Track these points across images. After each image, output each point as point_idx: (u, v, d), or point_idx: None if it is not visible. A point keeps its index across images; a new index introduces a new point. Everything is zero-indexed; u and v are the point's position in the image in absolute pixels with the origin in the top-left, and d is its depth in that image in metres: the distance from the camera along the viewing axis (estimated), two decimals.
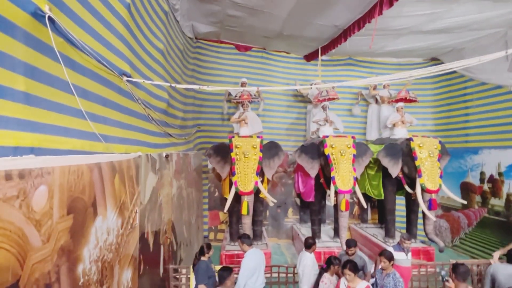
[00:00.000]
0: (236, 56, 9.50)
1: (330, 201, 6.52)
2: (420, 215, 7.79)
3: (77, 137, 2.41)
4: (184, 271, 5.08)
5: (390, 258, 3.90)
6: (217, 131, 9.23)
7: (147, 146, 4.13)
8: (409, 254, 4.98)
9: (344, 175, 6.50)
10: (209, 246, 4.49)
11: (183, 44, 7.05)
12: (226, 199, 8.89)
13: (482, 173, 7.90)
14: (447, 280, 3.49)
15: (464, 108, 8.63)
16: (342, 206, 6.41)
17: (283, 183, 9.55)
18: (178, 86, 4.19)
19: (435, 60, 9.66)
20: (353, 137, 6.84)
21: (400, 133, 7.63)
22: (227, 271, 3.55)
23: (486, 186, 7.78)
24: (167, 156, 4.69)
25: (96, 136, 2.68)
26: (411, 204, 7.58)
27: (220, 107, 9.36)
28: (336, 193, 6.46)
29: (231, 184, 7.11)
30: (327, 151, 6.68)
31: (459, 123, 8.74)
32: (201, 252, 4.42)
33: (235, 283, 3.87)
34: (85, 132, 2.54)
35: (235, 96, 7.67)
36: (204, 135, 9.10)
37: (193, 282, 4.70)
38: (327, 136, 6.84)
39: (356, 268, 3.53)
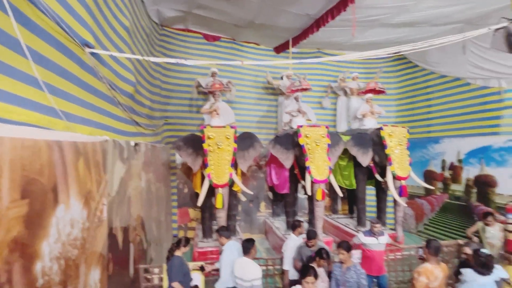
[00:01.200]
0: (205, 46, 9.11)
1: (307, 191, 6.42)
2: (389, 204, 8.09)
3: (33, 109, 1.99)
4: (156, 270, 4.66)
5: (349, 249, 3.79)
6: (185, 124, 8.78)
7: (113, 132, 3.68)
8: (381, 238, 5.03)
9: (319, 165, 6.45)
10: (187, 241, 4.15)
11: (149, 28, 6.55)
12: (196, 196, 8.51)
13: (443, 161, 8.35)
14: (421, 256, 3.59)
15: (426, 100, 9.07)
16: (318, 196, 6.35)
17: (255, 177, 9.34)
18: (152, 59, 3.80)
19: (397, 55, 10.04)
20: (326, 127, 6.83)
21: (370, 124, 7.79)
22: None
23: (447, 173, 8.23)
24: (136, 144, 4.25)
25: (55, 112, 2.25)
26: (381, 193, 7.78)
27: (188, 98, 8.92)
28: (312, 183, 6.39)
29: (203, 178, 6.76)
30: (301, 141, 6.59)
31: (422, 114, 9.17)
32: (178, 244, 4.06)
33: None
34: (43, 106, 2.11)
35: (206, 85, 7.31)
36: (172, 128, 8.61)
37: (166, 282, 4.32)
38: (302, 126, 6.75)
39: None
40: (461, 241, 5.43)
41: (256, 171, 9.34)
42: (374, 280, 4.95)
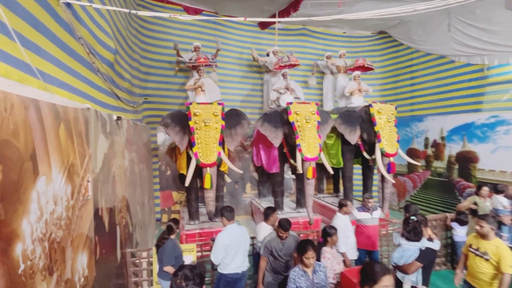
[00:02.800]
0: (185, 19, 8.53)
1: (298, 169, 6.28)
2: (375, 182, 8.17)
3: (1, 59, 1.60)
4: (144, 254, 4.38)
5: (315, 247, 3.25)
6: (166, 102, 8.30)
7: (94, 102, 3.27)
8: (375, 212, 5.03)
9: (310, 142, 6.30)
10: (176, 222, 3.89)
11: None
12: (180, 178, 8.17)
13: (426, 139, 8.50)
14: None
15: (410, 78, 9.12)
16: (309, 174, 6.23)
17: (240, 158, 9.10)
18: (140, 13, 3.36)
19: (383, 33, 9.98)
20: (316, 104, 6.66)
21: (357, 102, 7.70)
22: (271, 209, 4.14)
23: (430, 151, 8.40)
24: (118, 118, 3.85)
25: (28, 68, 1.86)
26: (367, 171, 7.82)
27: (168, 76, 8.40)
28: (302, 160, 6.25)
29: (189, 158, 6.42)
30: (291, 118, 6.38)
31: (406, 93, 9.24)
32: (170, 230, 3.80)
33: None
34: (13, 57, 1.72)
35: (190, 59, 6.84)
36: (152, 107, 8.10)
37: (156, 266, 4.06)
38: (291, 103, 6.53)
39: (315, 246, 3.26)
40: (448, 215, 5.53)
41: (241, 151, 9.08)
42: (367, 255, 4.97)
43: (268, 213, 4.14)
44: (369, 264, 2.14)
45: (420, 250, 3.19)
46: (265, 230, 4.05)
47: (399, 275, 3.30)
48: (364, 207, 4.99)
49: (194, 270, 1.78)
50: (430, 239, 3.53)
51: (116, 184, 3.82)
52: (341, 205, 4.56)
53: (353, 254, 4.47)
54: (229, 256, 3.52)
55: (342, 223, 4.30)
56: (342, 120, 7.02)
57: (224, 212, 3.64)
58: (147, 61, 7.90)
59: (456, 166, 7.67)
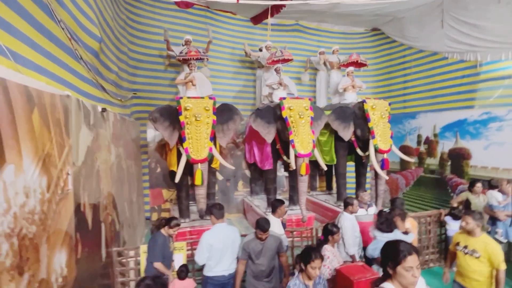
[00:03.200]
0: (175, 13, 8.34)
1: (291, 165, 6.15)
2: (367, 179, 8.13)
3: None
4: (131, 253, 4.18)
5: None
6: (155, 98, 8.07)
7: (76, 91, 3.07)
8: (370, 209, 4.94)
9: (304, 138, 6.18)
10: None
11: None
12: (171, 175, 7.93)
13: (419, 136, 8.48)
14: None
15: (403, 75, 9.09)
16: (302, 170, 6.11)
17: (232, 155, 8.93)
18: None
19: (376, 30, 9.94)
20: (310, 99, 6.54)
21: (351, 98, 7.62)
22: (279, 201, 4.20)
23: (422, 148, 8.38)
24: (103, 110, 3.65)
25: None
26: (361, 168, 7.74)
27: (158, 71, 8.18)
28: (296, 157, 6.13)
29: (179, 155, 6.24)
30: (284, 113, 6.25)
31: (399, 90, 9.21)
32: (168, 221, 3.64)
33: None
34: None
35: (180, 53, 6.64)
36: (141, 102, 7.87)
37: (144, 261, 3.87)
38: (284, 98, 6.40)
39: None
40: (443, 210, 5.48)
41: (233, 148, 8.92)
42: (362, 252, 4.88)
43: (276, 205, 4.14)
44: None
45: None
46: (275, 224, 3.91)
47: (375, 267, 3.30)
48: (359, 204, 4.89)
49: (157, 280, 1.72)
50: (405, 233, 3.59)
51: (101, 179, 3.62)
52: (346, 204, 4.26)
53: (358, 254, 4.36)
54: (214, 257, 3.24)
55: (350, 223, 4.06)
56: (335, 116, 6.93)
57: (213, 209, 3.41)
58: (135, 54, 7.66)
59: (449, 163, 7.66)
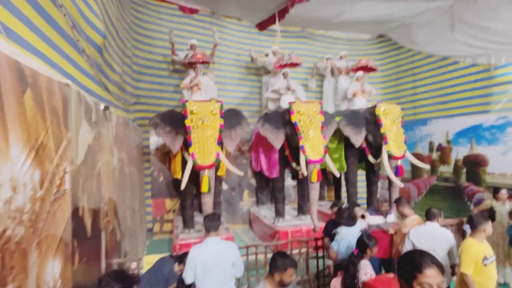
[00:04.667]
0: (181, 19, 8.22)
1: (303, 172, 5.85)
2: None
3: None
4: (133, 265, 3.85)
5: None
6: (159, 104, 7.84)
7: (77, 84, 2.82)
8: (389, 216, 4.63)
9: (314, 144, 5.91)
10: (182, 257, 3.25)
11: None
12: (174, 184, 7.66)
13: (431, 143, 8.19)
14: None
15: (412, 81, 8.89)
16: (314, 177, 5.80)
17: (238, 164, 8.61)
18: None
19: (381, 37, 9.82)
20: (320, 103, 6.30)
21: (360, 104, 7.39)
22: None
23: (435, 155, 8.08)
24: (106, 108, 3.40)
25: None
26: (372, 175, 7.43)
27: (162, 76, 8.00)
28: (307, 163, 5.83)
29: (183, 161, 5.96)
30: (294, 118, 6.00)
31: (408, 96, 8.99)
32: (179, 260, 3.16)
33: None
34: None
35: (186, 56, 6.45)
36: (144, 108, 7.65)
37: None
38: (294, 102, 6.16)
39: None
40: (464, 219, 5.13)
41: (238, 157, 8.63)
42: (381, 265, 4.52)
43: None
44: (409, 253, 1.62)
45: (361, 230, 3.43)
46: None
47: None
48: (377, 211, 4.57)
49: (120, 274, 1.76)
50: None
51: (102, 182, 3.33)
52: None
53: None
54: (200, 277, 2.77)
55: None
56: (347, 122, 6.65)
57: (204, 221, 2.97)
58: (140, 60, 7.50)
59: (464, 170, 7.34)
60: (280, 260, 2.22)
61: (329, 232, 3.85)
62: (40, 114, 1.75)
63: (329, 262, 3.59)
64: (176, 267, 3.10)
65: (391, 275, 2.77)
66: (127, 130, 5.25)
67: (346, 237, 3.43)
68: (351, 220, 3.54)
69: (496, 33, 6.62)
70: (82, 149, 2.65)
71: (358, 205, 4.48)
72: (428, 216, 3.62)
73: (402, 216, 4.12)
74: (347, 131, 6.65)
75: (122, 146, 4.69)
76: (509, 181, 6.40)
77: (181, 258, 3.11)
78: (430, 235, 3.46)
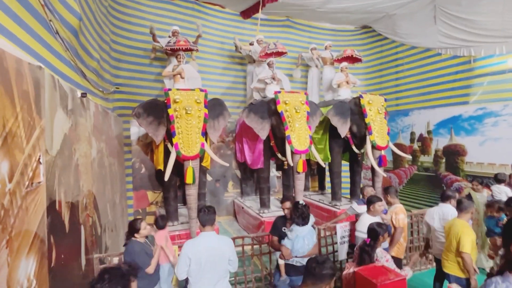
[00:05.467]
0: (161, 4, 7.87)
1: (289, 162, 5.81)
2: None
3: None
4: (115, 260, 3.69)
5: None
6: (140, 93, 7.53)
7: (50, 69, 2.60)
8: None
9: (300, 134, 5.88)
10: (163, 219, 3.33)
11: None
12: (157, 176, 7.47)
13: (412, 133, 8.37)
14: None
15: (395, 72, 8.99)
16: (299, 168, 5.79)
17: (222, 154, 8.50)
18: None
19: (366, 28, 9.84)
20: (305, 93, 6.25)
21: (345, 94, 7.39)
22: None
23: (416, 145, 8.27)
24: (83, 95, 3.18)
25: None
26: (355, 166, 7.51)
27: (143, 64, 7.67)
28: (292, 153, 5.80)
29: (166, 152, 5.78)
30: (280, 108, 5.93)
31: (391, 87, 9.10)
32: (132, 230, 3.18)
33: None
34: None
35: (168, 43, 6.18)
36: (124, 97, 7.32)
37: None
38: (279, 92, 6.08)
39: None
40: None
41: (222, 147, 8.50)
42: None
43: (372, 200, 3.71)
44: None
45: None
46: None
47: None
48: (364, 200, 4.60)
49: (115, 271, 1.68)
50: None
51: (81, 174, 3.14)
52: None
53: None
54: (194, 273, 2.63)
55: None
56: (335, 112, 6.62)
57: (200, 214, 2.79)
58: (118, 46, 7.13)
59: (443, 160, 7.56)
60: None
61: (279, 229, 3.53)
62: (7, 98, 1.56)
63: (281, 262, 3.31)
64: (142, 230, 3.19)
65: (379, 263, 2.77)
66: (106, 119, 5.00)
67: (301, 234, 3.24)
68: (303, 220, 3.23)
69: (476, 26, 6.76)
70: (58, 138, 2.46)
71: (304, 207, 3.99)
72: (442, 198, 4.02)
73: (388, 204, 4.16)
74: (335, 121, 6.64)
75: (101, 136, 4.45)
76: (485, 170, 6.64)
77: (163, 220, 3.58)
78: (444, 215, 3.78)
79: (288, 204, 3.61)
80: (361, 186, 4.76)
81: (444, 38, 7.45)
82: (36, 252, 1.86)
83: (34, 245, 1.84)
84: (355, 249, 3.28)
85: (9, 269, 1.51)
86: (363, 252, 2.87)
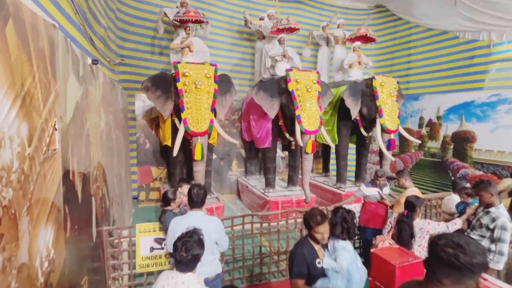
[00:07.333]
0: None
1: (298, 142, 5.71)
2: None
3: None
4: (125, 233, 3.66)
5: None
6: (146, 67, 7.33)
7: (62, 32, 2.43)
8: (385, 189, 4.62)
9: (311, 114, 5.75)
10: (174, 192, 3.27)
11: None
12: (161, 151, 7.40)
13: (421, 118, 8.23)
14: None
15: (407, 55, 8.74)
16: (308, 148, 5.71)
17: (227, 133, 8.25)
18: None
19: (380, 7, 9.48)
20: (317, 72, 6.06)
21: (356, 75, 7.20)
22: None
23: (424, 131, 8.16)
24: (94, 62, 3.02)
25: None
26: (362, 149, 7.43)
27: (149, 36, 7.40)
28: (302, 133, 5.69)
29: (174, 129, 5.66)
30: (291, 86, 5.76)
31: (402, 70, 8.87)
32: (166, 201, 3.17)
33: None
34: None
35: (177, 14, 5.91)
36: (129, 70, 7.13)
37: (140, 243, 3.40)
38: (291, 70, 5.89)
39: None
40: (446, 194, 5.23)
41: (227, 126, 8.37)
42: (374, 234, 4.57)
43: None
44: None
45: None
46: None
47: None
48: (373, 183, 4.54)
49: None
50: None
51: (91, 146, 3.04)
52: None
53: None
54: None
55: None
56: (350, 92, 6.44)
57: (189, 193, 2.66)
58: (124, 16, 6.85)
59: (451, 146, 7.48)
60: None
61: (310, 263, 2.28)
62: (25, 54, 1.43)
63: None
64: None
65: (395, 245, 2.75)
66: (114, 91, 4.84)
67: (353, 255, 2.43)
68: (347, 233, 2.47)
69: (501, 9, 6.47)
70: (71, 106, 2.34)
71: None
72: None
73: (402, 187, 4.11)
74: (349, 102, 6.47)
75: (109, 108, 4.32)
76: (495, 157, 6.57)
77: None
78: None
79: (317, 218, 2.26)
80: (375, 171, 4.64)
81: (464, 21, 7.17)
82: (53, 222, 1.78)
83: (52, 214, 1.76)
84: (388, 221, 3.53)
85: (30, 237, 1.43)
86: (401, 223, 3.00)
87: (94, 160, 3.13)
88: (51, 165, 1.79)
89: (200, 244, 1.89)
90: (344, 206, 3.42)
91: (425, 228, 2.96)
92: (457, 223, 3.10)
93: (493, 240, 2.84)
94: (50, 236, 1.72)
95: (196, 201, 2.64)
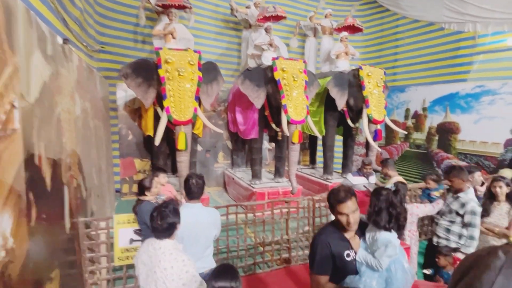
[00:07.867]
0: None
1: (284, 132, 5.61)
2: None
3: None
4: (102, 224, 3.49)
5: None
6: (126, 55, 7.05)
7: (26, 4, 2.23)
8: (371, 177, 4.61)
9: (297, 104, 5.65)
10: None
11: None
12: (145, 143, 7.19)
13: (407, 110, 8.28)
14: None
15: (394, 47, 8.75)
16: (295, 138, 5.62)
17: (213, 124, 8.17)
18: None
19: None
20: (304, 62, 5.96)
21: (343, 66, 7.15)
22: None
23: (410, 122, 8.21)
24: (65, 41, 2.81)
25: None
26: (349, 140, 7.42)
27: (131, 23, 7.12)
28: (288, 123, 5.60)
29: (156, 118, 5.47)
30: (277, 75, 5.65)
31: (389, 62, 8.88)
32: (141, 190, 3.00)
33: None
34: None
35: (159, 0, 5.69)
36: (110, 58, 6.84)
37: (118, 235, 3.26)
38: (277, 59, 5.76)
39: None
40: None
41: (213, 117, 8.20)
42: None
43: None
44: None
45: None
46: None
47: None
48: (359, 172, 4.51)
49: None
50: None
51: (63, 131, 2.85)
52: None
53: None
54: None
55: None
56: (335, 83, 6.38)
57: (186, 184, 2.43)
58: (103, 0, 6.54)
59: (436, 138, 7.55)
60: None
61: (337, 255, 1.75)
62: None
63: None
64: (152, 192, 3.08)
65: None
66: (92, 77, 4.60)
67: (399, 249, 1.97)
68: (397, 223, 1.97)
69: (487, 0, 6.50)
70: (36, 85, 2.15)
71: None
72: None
73: (386, 176, 4.08)
74: (334, 92, 6.41)
75: (86, 94, 4.09)
76: (478, 148, 6.67)
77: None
78: None
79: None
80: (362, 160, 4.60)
81: (450, 12, 7.18)
82: (12, 208, 1.62)
83: (10, 199, 1.60)
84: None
85: None
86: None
87: (66, 147, 2.94)
88: (9, 146, 1.62)
89: (175, 213, 1.95)
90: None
91: (414, 212, 2.94)
92: (439, 203, 3.09)
93: (463, 225, 2.85)
94: (7, 223, 1.56)
95: (196, 191, 2.43)
